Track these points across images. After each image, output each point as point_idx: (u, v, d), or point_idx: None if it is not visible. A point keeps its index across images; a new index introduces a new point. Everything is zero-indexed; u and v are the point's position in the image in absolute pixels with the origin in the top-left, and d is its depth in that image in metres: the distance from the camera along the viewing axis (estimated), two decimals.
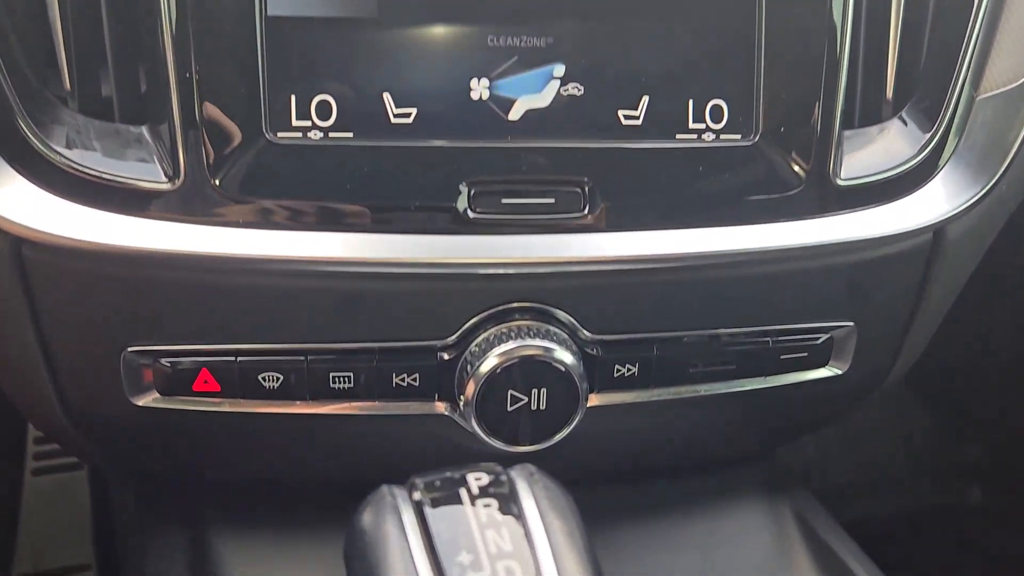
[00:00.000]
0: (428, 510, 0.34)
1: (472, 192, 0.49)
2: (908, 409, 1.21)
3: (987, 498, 1.70)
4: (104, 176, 0.47)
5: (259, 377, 0.51)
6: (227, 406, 0.52)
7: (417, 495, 0.35)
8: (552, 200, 0.50)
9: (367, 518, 0.35)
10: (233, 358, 0.51)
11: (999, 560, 1.57)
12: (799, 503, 0.64)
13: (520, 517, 0.34)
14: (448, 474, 0.36)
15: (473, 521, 0.34)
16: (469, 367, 0.51)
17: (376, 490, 0.36)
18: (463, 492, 0.35)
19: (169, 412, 0.52)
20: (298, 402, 0.52)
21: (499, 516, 0.34)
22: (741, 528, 0.63)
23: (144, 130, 0.48)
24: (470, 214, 0.49)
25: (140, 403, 0.51)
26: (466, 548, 0.32)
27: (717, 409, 0.58)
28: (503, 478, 0.35)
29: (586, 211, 0.50)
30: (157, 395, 0.52)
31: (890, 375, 0.62)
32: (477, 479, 0.35)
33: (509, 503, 0.34)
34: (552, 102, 0.51)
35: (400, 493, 0.35)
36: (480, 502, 0.34)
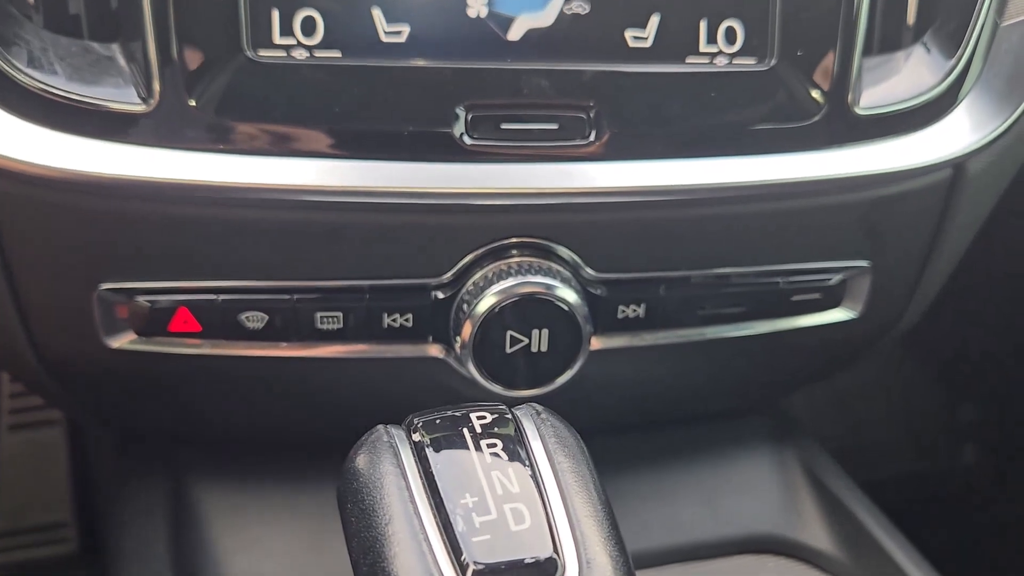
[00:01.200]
0: (429, 451, 0.32)
1: (469, 117, 0.46)
2: (901, 369, 1.19)
3: (980, 459, 1.71)
4: (72, 97, 0.43)
5: (242, 316, 0.48)
6: (207, 348, 0.49)
7: (417, 435, 0.32)
8: (555, 126, 0.47)
9: (362, 459, 0.32)
10: (214, 296, 0.47)
11: (994, 524, 1.57)
12: (806, 453, 0.62)
13: (527, 458, 0.31)
14: (450, 412, 0.33)
15: (477, 462, 0.31)
16: (466, 306, 0.48)
17: (372, 430, 0.33)
18: (466, 432, 0.32)
19: (146, 356, 0.48)
20: (283, 344, 0.49)
21: (504, 456, 0.31)
22: (748, 478, 0.61)
23: (115, 48, 0.44)
24: (467, 140, 0.46)
25: (115, 345, 0.48)
26: (470, 490, 0.30)
27: (725, 354, 0.55)
28: (508, 416, 0.33)
29: (591, 138, 0.47)
30: (133, 336, 0.48)
31: (903, 319, 0.59)
32: (480, 418, 0.32)
33: (515, 443, 0.31)
34: (555, 21, 0.47)
35: (398, 433, 0.33)
36: (484, 442, 0.32)
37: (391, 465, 0.32)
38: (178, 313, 0.48)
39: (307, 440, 0.57)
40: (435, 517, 0.30)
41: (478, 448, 0.32)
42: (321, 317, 0.48)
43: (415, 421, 0.33)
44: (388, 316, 0.49)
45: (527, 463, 0.31)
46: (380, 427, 0.33)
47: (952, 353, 1.59)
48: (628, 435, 0.61)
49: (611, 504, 0.32)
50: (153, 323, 0.48)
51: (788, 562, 0.57)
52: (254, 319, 0.48)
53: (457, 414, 0.33)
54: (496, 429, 0.32)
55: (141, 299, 0.47)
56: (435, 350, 0.50)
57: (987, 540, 1.57)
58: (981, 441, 1.71)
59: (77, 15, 0.45)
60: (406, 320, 0.49)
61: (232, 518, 0.55)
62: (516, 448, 0.31)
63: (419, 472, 0.31)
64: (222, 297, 0.47)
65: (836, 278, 0.55)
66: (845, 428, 1.36)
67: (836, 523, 0.57)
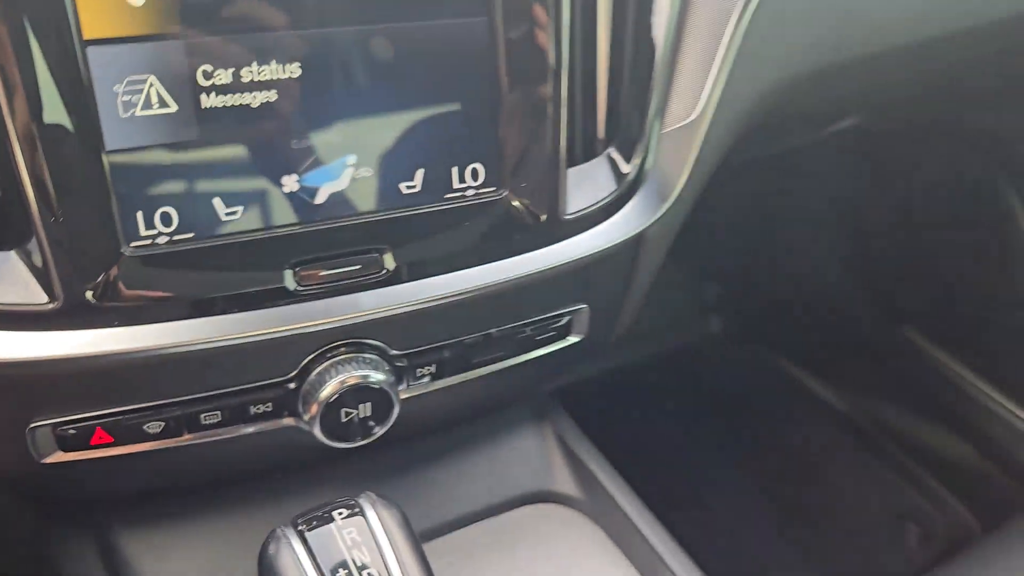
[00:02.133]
0: (310, 537, 0.52)
1: (296, 271, 0.64)
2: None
3: (726, 329, 2.12)
4: None
5: (144, 426, 0.65)
6: (121, 450, 0.65)
7: (301, 527, 0.53)
8: (359, 266, 0.66)
9: (271, 548, 0.52)
10: (121, 417, 0.64)
11: (728, 389, 1.99)
12: (558, 425, 0.88)
13: (372, 536, 0.52)
14: (320, 512, 0.53)
15: (341, 543, 0.52)
16: (310, 395, 0.67)
17: (272, 531, 0.53)
18: (332, 524, 0.53)
19: (73, 462, 0.65)
20: (177, 438, 0.67)
21: (359, 537, 0.52)
22: (519, 449, 0.86)
23: (14, 254, 0.58)
24: (296, 288, 0.64)
25: (47, 461, 0.64)
26: (340, 564, 0.51)
27: (496, 380, 0.78)
28: (356, 508, 0.54)
29: (384, 271, 0.66)
30: (60, 453, 0.64)
31: (614, 334, 0.85)
32: (339, 513, 0.53)
33: (363, 526, 0.53)
34: (349, 184, 0.65)
35: (288, 530, 0.53)
36: (344, 527, 0.53)
37: (287, 548, 0.52)
38: (95, 432, 0.64)
39: (212, 486, 0.75)
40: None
41: (341, 532, 0.53)
42: (204, 416, 0.66)
43: (298, 520, 0.53)
44: (253, 407, 0.68)
45: (373, 540, 0.52)
46: (277, 529, 0.53)
47: (699, 250, 1.95)
48: (434, 434, 0.84)
49: (424, 553, 0.54)
50: (76, 442, 0.64)
51: (550, 506, 0.84)
52: (153, 427, 0.65)
53: (325, 513, 0.53)
54: (350, 516, 0.53)
55: (64, 428, 0.63)
56: (290, 421, 0.70)
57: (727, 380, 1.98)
58: (723, 312, 2.13)
59: None
60: (267, 407, 0.68)
61: (159, 555, 0.73)
62: (365, 531, 0.53)
63: (306, 553, 0.52)
64: (127, 417, 0.64)
65: (566, 319, 0.79)
66: None
67: (578, 474, 0.84)
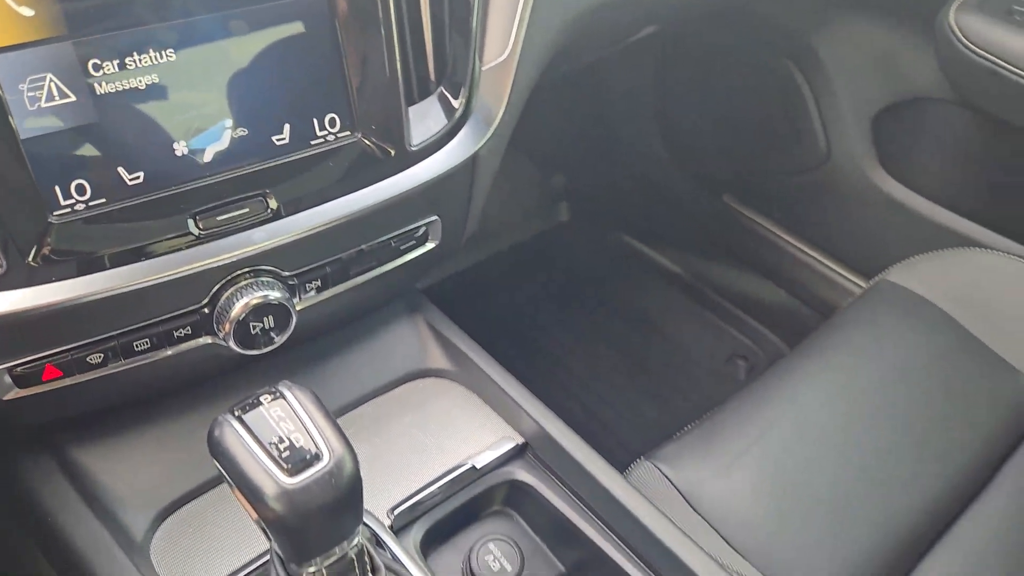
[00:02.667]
0: (246, 419, 0.69)
1: (196, 219, 0.78)
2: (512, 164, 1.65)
3: (574, 214, 2.35)
4: None
5: (87, 359, 0.79)
6: (70, 381, 0.80)
7: (237, 412, 0.70)
8: (248, 209, 0.81)
9: (216, 432, 0.69)
10: (67, 354, 0.78)
11: (578, 266, 2.24)
12: (428, 314, 1.07)
13: (292, 410, 0.70)
14: (250, 400, 0.70)
15: (271, 420, 0.69)
16: (222, 316, 0.83)
17: (215, 420, 0.70)
18: (261, 407, 0.70)
19: (30, 396, 0.79)
20: (117, 364, 0.81)
21: (283, 414, 0.70)
22: (398, 337, 1.05)
23: None
24: (199, 233, 0.78)
25: (6, 398, 0.78)
26: (273, 435, 0.68)
27: (372, 285, 0.96)
28: (277, 393, 0.71)
29: (269, 210, 0.82)
30: (17, 390, 0.78)
31: (464, 236, 1.04)
32: (265, 398, 0.70)
33: (285, 405, 0.70)
34: (229, 143, 0.80)
35: (227, 416, 0.70)
36: (271, 408, 0.70)
37: (230, 429, 0.69)
38: (46, 369, 0.78)
39: (155, 397, 0.90)
40: (261, 448, 0.68)
41: (268, 409, 0.70)
42: (136, 344, 0.81)
43: (234, 408, 0.70)
44: (176, 332, 0.83)
45: (294, 414, 0.70)
46: (219, 416, 0.70)
47: (544, 148, 2.15)
48: (327, 335, 1.02)
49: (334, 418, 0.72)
50: (30, 379, 0.78)
51: (429, 380, 1.03)
52: (95, 358, 0.80)
53: (254, 399, 0.70)
54: (275, 401, 0.71)
55: (18, 368, 0.77)
56: (209, 340, 0.86)
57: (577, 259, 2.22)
58: (570, 200, 2.35)
59: None
60: (187, 330, 0.83)
61: (113, 454, 0.88)
62: (287, 408, 0.70)
63: (245, 430, 0.69)
64: (72, 353, 0.78)
65: (422, 230, 0.96)
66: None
67: (448, 352, 1.04)
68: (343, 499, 0.68)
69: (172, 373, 0.87)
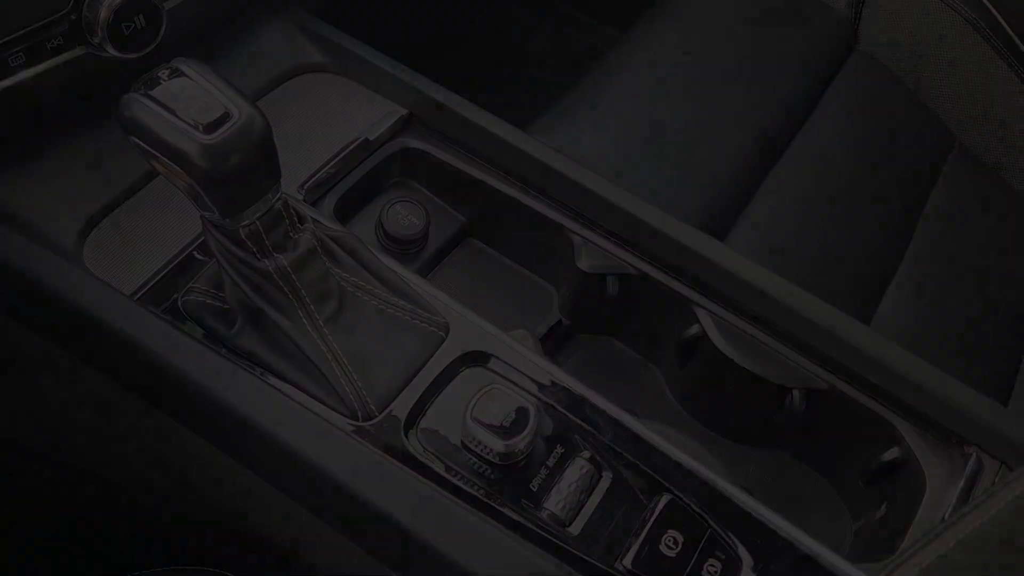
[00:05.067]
0: (153, 93, 0.73)
1: None
2: None
3: None
4: None
5: None
6: None
7: (142, 90, 0.74)
8: None
9: (126, 111, 0.73)
10: None
11: None
12: (294, 14, 1.09)
13: (193, 79, 0.74)
14: (150, 77, 0.74)
15: (175, 88, 0.73)
16: (92, 22, 0.83)
17: (120, 100, 0.73)
18: (163, 80, 0.74)
19: None
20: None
21: (183, 83, 0.74)
22: (271, 43, 1.08)
23: None
24: None
25: None
26: (179, 100, 0.73)
27: None
28: (174, 67, 0.75)
29: None
30: None
31: None
32: (162, 73, 0.74)
33: (183, 75, 0.74)
34: None
35: (135, 94, 0.73)
36: (173, 80, 0.74)
37: (141, 104, 0.73)
38: None
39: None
40: (173, 115, 0.73)
41: (172, 84, 0.74)
42: (11, 60, 0.82)
43: (139, 87, 0.74)
44: (48, 43, 0.84)
45: (195, 82, 0.74)
46: (123, 96, 0.73)
47: None
48: (200, 46, 1.03)
49: None
50: None
51: (310, 75, 1.08)
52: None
53: (154, 75, 0.74)
54: (171, 73, 0.74)
55: None
56: (83, 49, 0.87)
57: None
58: None
59: None
60: (60, 41, 0.84)
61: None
62: (186, 78, 0.74)
63: (154, 102, 0.73)
64: None
65: None
66: None
67: (320, 45, 1.08)
68: (259, 149, 0.75)
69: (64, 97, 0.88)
